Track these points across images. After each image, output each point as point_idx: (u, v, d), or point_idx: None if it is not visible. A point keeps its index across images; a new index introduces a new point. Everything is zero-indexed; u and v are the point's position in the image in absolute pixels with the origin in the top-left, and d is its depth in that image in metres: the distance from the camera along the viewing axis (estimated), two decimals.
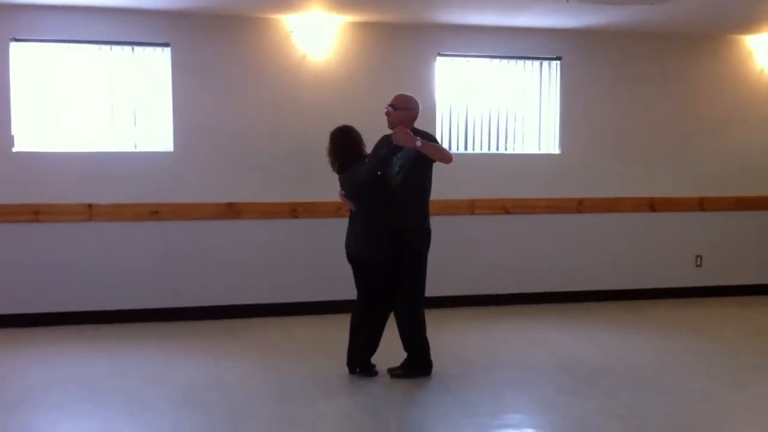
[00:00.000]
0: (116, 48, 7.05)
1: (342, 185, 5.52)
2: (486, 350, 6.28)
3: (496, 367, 5.79)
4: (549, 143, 8.03)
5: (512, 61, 7.91)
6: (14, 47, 6.80)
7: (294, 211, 7.37)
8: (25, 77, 6.88)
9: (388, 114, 5.41)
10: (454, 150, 7.74)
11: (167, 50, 7.08)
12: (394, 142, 5.23)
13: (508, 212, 7.85)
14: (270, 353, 6.16)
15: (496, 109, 7.87)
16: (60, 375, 5.55)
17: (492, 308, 7.71)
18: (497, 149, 7.92)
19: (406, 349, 5.51)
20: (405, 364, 5.51)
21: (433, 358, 5.51)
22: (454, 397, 5.10)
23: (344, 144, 5.41)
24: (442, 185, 7.73)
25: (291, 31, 7.22)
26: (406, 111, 5.39)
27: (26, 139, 6.91)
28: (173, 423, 4.64)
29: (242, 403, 4.97)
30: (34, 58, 6.90)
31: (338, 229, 5.82)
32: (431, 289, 5.71)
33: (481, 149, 7.86)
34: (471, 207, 7.75)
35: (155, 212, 7.06)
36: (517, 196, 7.87)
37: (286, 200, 7.36)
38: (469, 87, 7.82)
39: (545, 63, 7.95)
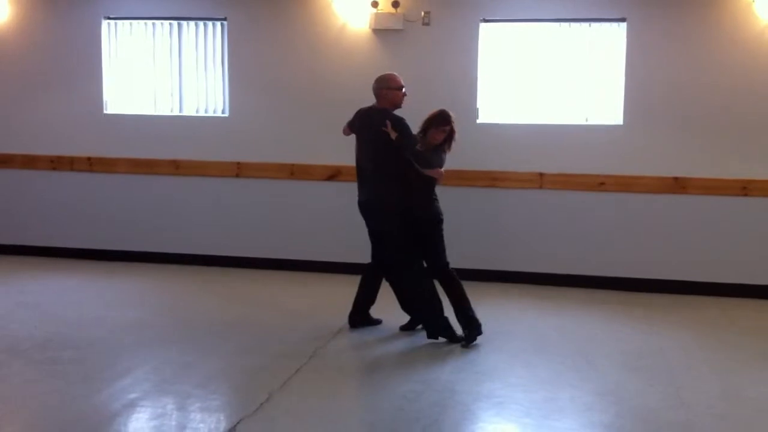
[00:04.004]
0: (574, 25, 7.42)
1: (440, 162, 5.69)
2: None
3: None
4: None
5: None
6: (483, 27, 7.52)
7: (744, 188, 7.11)
8: (493, 55, 7.57)
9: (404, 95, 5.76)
10: None
11: (623, 25, 7.26)
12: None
13: None
14: (707, 329, 6.14)
15: None
16: (509, 328, 6.14)
17: None
18: None
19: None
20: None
21: None
22: None
23: None
24: None
25: (754, 0, 6.93)
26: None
27: (488, 112, 7.62)
28: (616, 383, 4.90)
29: (683, 373, 5.05)
30: (501, 37, 7.56)
31: None
32: None
33: None
34: None
35: (602, 183, 7.33)
36: None
37: (736, 177, 7.13)
38: None
39: None
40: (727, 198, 7.15)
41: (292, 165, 7.84)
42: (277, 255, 7.93)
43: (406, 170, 5.59)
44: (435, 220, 5.66)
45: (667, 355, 5.49)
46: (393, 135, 5.48)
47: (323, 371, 4.97)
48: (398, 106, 5.73)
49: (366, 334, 5.78)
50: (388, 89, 5.71)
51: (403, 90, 5.75)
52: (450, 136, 5.67)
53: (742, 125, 7.10)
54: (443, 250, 5.71)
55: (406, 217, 5.64)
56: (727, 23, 7.05)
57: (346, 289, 6.94)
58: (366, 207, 5.75)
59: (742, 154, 7.12)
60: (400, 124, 5.53)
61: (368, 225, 5.80)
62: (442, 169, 5.68)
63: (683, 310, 6.74)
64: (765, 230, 7.10)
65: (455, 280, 5.66)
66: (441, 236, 5.69)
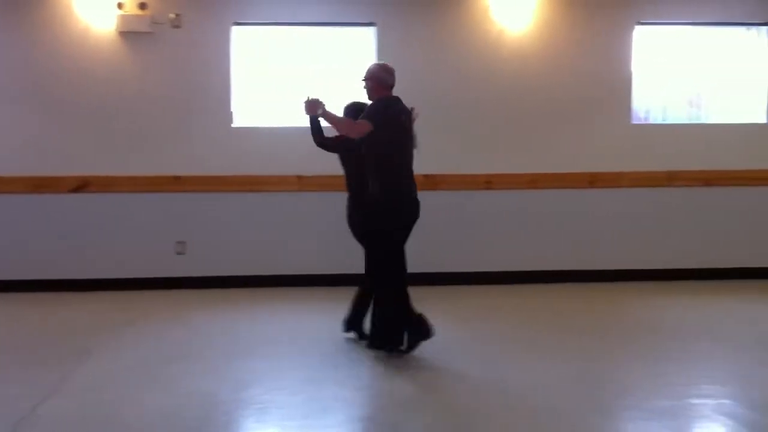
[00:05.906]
0: (328, 28, 7.54)
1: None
2: (690, 323, 6.28)
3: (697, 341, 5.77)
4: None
5: (718, 28, 7.69)
6: (236, 30, 7.43)
7: (488, 182, 7.58)
8: (247, 58, 7.51)
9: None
10: (651, 121, 7.68)
11: (372, 29, 7.49)
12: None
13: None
14: (470, 317, 6.47)
15: (700, 77, 7.70)
16: (268, 332, 6.11)
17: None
18: (699, 120, 7.74)
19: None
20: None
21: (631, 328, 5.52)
22: (648, 367, 5.13)
23: None
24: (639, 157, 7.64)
25: (489, 6, 7.40)
26: (369, 80, 5.46)
27: (244, 116, 7.56)
28: (373, 377, 5.03)
29: (444, 361, 5.29)
30: (255, 41, 7.52)
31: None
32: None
33: (683, 120, 7.73)
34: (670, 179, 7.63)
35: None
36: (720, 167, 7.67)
37: (481, 172, 7.59)
38: (670, 56, 7.68)
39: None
40: (473, 192, 7.59)
41: (34, 177, 7.31)
42: (25, 276, 7.36)
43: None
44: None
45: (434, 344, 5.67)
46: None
47: (75, 395, 4.66)
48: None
49: (124, 351, 5.51)
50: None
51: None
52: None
53: (486, 124, 7.57)
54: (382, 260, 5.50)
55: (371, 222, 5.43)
56: (467, 27, 7.49)
57: (99, 306, 6.58)
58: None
59: (486, 150, 7.58)
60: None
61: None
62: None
63: (445, 299, 7.03)
64: (508, 219, 7.62)
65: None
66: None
